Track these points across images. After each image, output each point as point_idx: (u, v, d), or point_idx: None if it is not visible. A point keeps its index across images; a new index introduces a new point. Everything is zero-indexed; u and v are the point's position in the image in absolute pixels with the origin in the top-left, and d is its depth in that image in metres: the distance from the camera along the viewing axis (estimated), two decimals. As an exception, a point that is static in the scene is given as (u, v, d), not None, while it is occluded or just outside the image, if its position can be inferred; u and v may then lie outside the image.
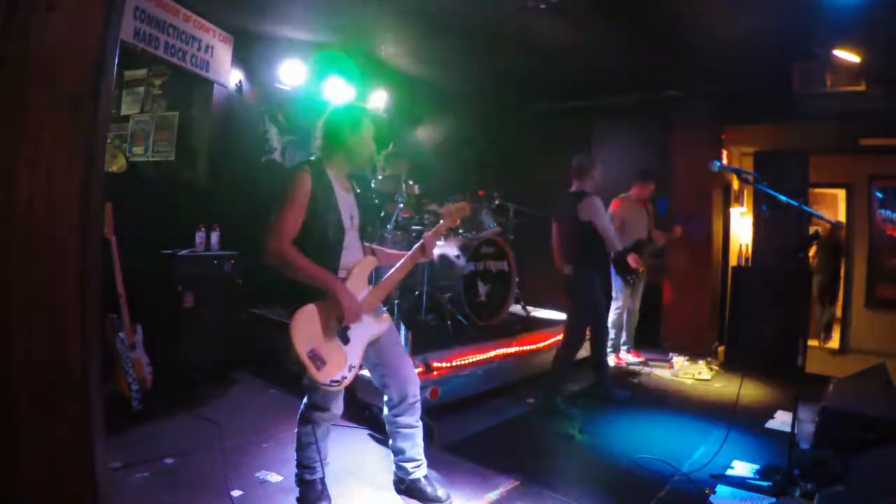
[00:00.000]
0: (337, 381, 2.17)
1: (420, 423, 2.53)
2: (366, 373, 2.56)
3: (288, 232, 2.16)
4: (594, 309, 3.89)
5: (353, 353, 2.26)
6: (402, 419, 2.48)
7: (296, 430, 2.38)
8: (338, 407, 2.35)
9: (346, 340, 2.24)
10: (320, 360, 2.14)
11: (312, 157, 2.37)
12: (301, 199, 2.19)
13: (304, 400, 2.36)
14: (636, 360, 5.18)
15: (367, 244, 2.51)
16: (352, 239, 2.36)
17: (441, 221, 2.58)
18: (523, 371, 4.25)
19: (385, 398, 2.52)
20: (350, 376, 2.23)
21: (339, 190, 2.32)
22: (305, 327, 2.14)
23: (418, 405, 2.50)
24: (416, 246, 2.48)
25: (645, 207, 5.11)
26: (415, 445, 2.52)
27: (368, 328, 2.34)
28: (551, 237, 4.12)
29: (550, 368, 3.94)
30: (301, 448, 2.37)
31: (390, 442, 2.56)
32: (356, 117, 2.37)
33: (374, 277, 2.49)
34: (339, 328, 2.22)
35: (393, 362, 2.46)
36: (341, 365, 2.20)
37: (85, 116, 1.33)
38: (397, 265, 2.46)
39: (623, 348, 5.19)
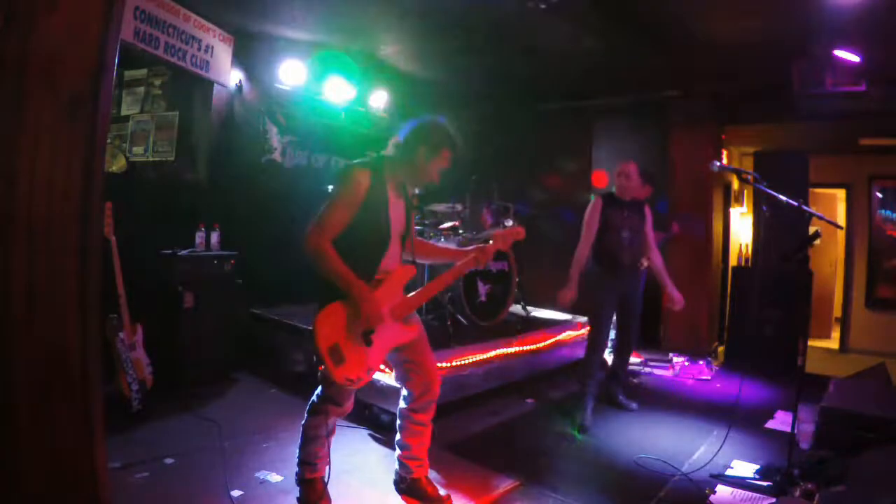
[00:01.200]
0: (352, 381, 2.17)
1: (431, 424, 2.52)
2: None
3: (331, 229, 2.13)
4: (599, 312, 3.78)
5: (374, 356, 2.24)
6: (419, 416, 2.46)
7: (302, 424, 2.36)
8: (349, 404, 2.35)
9: (368, 343, 2.21)
10: (339, 357, 2.13)
11: (375, 155, 2.32)
12: (354, 197, 2.16)
13: (318, 391, 2.33)
14: (636, 360, 5.18)
15: (417, 239, 2.50)
16: (396, 245, 2.34)
17: (491, 242, 2.49)
18: (523, 371, 4.25)
19: (404, 392, 2.50)
20: (366, 379, 2.22)
21: (392, 196, 2.29)
22: (330, 323, 2.14)
23: (435, 405, 2.50)
24: (461, 262, 2.44)
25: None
26: (422, 444, 2.51)
27: (395, 335, 2.32)
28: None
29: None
30: (306, 442, 2.34)
31: (397, 437, 2.54)
32: (441, 139, 2.31)
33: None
34: (363, 330, 2.20)
35: (421, 359, 2.43)
36: (359, 366, 2.19)
37: (85, 116, 1.33)
38: (435, 279, 2.45)
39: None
